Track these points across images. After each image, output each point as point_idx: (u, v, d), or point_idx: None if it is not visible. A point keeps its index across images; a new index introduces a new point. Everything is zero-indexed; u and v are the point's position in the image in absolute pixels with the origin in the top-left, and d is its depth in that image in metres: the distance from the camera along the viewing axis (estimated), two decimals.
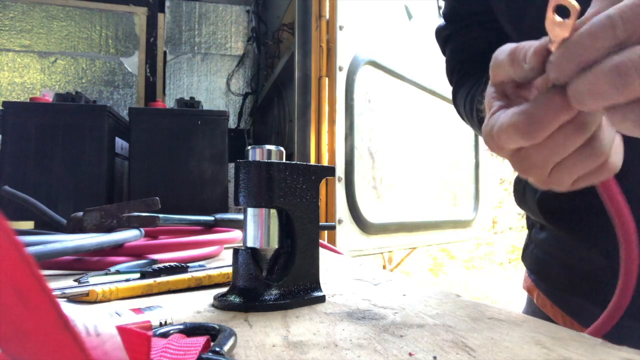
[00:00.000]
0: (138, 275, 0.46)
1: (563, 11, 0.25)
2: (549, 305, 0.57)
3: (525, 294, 0.65)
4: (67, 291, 0.38)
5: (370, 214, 1.46)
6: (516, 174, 0.33)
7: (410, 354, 0.25)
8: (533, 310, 0.60)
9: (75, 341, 0.14)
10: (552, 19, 0.25)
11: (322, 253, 0.58)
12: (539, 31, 0.27)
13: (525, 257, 0.62)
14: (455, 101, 0.66)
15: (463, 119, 0.65)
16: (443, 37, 0.67)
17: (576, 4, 0.24)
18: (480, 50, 0.61)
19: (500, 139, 0.29)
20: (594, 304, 0.51)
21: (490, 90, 0.33)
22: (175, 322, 0.28)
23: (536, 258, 0.59)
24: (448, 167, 2.02)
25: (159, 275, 0.45)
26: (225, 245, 0.74)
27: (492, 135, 0.30)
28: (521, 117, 0.28)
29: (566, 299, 0.56)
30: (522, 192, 0.58)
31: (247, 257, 0.37)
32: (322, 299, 0.39)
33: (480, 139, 2.22)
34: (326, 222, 1.33)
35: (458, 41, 0.65)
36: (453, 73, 0.66)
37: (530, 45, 0.28)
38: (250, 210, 0.38)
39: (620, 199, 0.35)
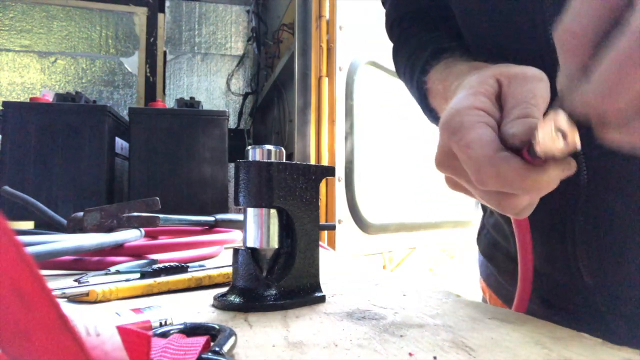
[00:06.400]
0: (138, 275, 0.46)
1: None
2: (499, 305, 0.56)
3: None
4: (67, 291, 0.38)
5: (370, 214, 1.46)
6: None
7: (410, 354, 0.25)
8: None
9: (75, 341, 0.14)
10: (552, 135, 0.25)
11: (321, 253, 0.58)
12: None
13: (480, 241, 0.61)
14: (395, 59, 0.61)
15: (401, 79, 0.60)
16: None
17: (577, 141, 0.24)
18: (424, 5, 0.57)
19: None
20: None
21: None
22: (175, 322, 0.28)
23: (487, 243, 0.58)
24: None
25: (159, 275, 0.45)
26: (225, 246, 0.74)
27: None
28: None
29: (511, 292, 0.55)
30: None
31: (247, 257, 0.37)
32: (322, 299, 0.39)
33: None
34: (326, 222, 1.33)
35: None
36: (393, 27, 0.60)
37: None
38: (250, 210, 0.38)
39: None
